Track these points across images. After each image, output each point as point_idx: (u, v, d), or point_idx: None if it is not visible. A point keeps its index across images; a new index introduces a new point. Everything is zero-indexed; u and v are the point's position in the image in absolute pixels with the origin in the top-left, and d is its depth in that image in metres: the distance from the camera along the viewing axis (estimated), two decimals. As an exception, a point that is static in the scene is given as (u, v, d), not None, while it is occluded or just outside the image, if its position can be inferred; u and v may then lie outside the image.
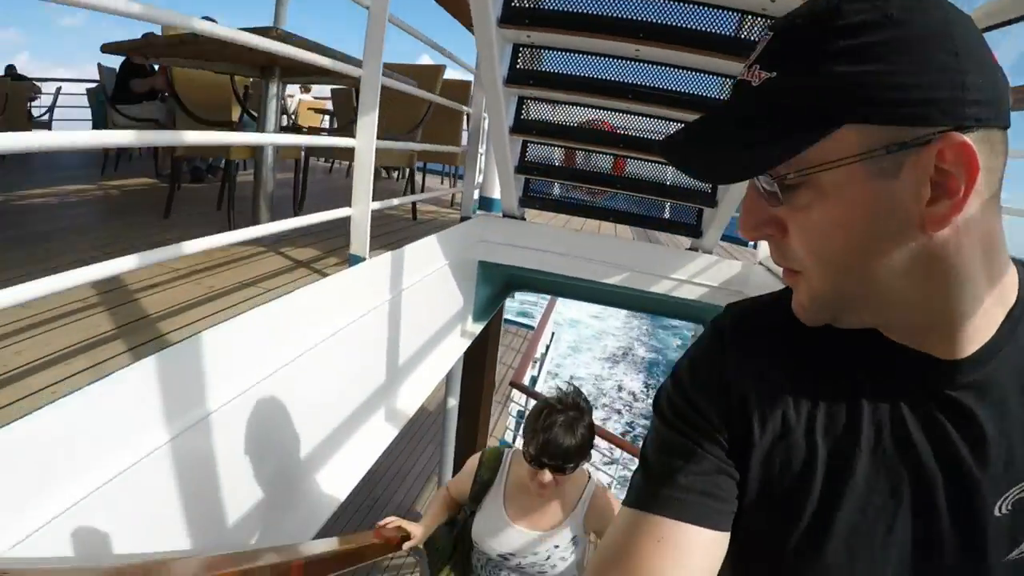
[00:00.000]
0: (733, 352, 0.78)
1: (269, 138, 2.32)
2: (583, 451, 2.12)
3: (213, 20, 6.00)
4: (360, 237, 2.64)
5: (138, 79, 5.77)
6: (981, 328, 0.66)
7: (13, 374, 1.59)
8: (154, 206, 3.98)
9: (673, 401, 0.80)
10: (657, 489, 0.75)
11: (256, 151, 3.42)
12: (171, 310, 2.09)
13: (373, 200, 2.65)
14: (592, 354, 27.34)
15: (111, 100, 5.68)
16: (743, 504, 0.75)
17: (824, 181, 0.61)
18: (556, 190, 4.54)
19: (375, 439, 3.06)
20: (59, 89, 10.26)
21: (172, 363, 1.69)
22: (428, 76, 4.56)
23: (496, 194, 4.67)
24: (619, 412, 21.64)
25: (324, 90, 9.75)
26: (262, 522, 2.21)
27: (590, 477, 2.36)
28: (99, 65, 9.19)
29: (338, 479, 2.69)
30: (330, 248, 3.06)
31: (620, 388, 23.87)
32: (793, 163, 0.61)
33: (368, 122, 2.49)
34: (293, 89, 10.47)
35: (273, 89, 3.26)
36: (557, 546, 2.23)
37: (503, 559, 2.28)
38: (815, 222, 0.63)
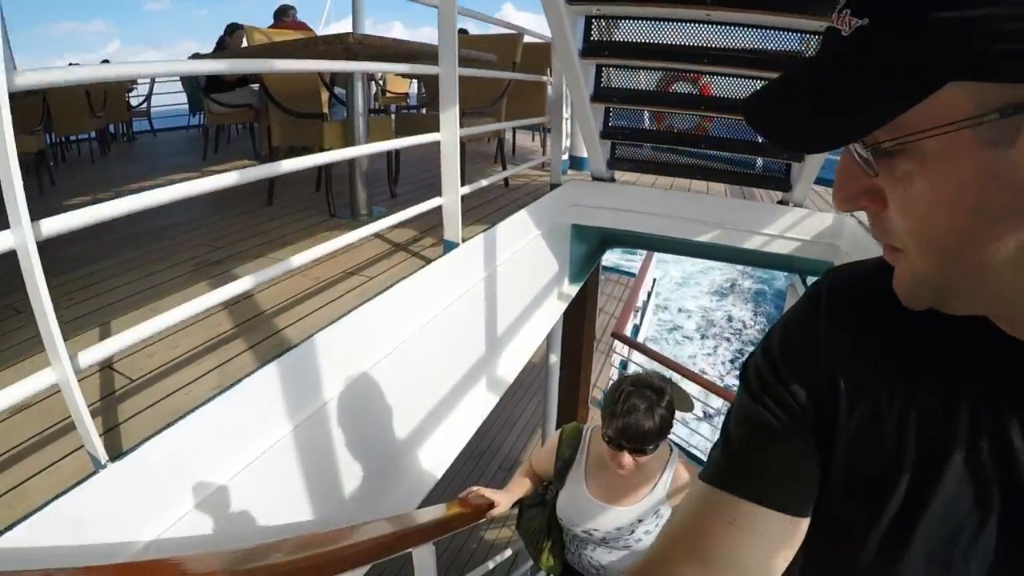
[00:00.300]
0: (828, 323, 0.70)
1: (360, 150, 2.44)
2: (663, 432, 2.08)
3: (293, 8, 6.23)
4: (452, 224, 2.80)
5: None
6: None
7: (150, 376, 1.82)
8: (256, 192, 4.19)
9: (761, 373, 0.74)
10: (735, 467, 0.72)
11: (349, 137, 3.60)
12: (284, 304, 2.31)
13: (462, 185, 2.79)
14: (700, 288, 27.26)
15: (204, 90, 6.02)
16: (823, 491, 0.70)
17: (927, 149, 0.51)
18: (644, 151, 4.54)
19: (477, 408, 3.26)
20: (154, 79, 10.76)
21: (292, 364, 1.91)
22: (507, 46, 4.60)
23: (585, 153, 4.72)
24: (728, 340, 21.59)
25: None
26: (376, 493, 2.44)
27: (672, 450, 2.34)
28: (192, 56, 9.64)
29: (443, 447, 2.90)
30: (426, 228, 3.20)
31: (730, 318, 23.72)
32: (890, 127, 0.51)
33: (450, 116, 2.61)
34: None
35: (358, 84, 3.44)
36: (641, 520, 2.23)
37: (588, 535, 2.28)
38: (916, 197, 0.53)
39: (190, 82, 8.64)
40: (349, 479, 2.27)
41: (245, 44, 6.44)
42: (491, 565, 3.73)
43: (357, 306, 2.24)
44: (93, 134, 7.42)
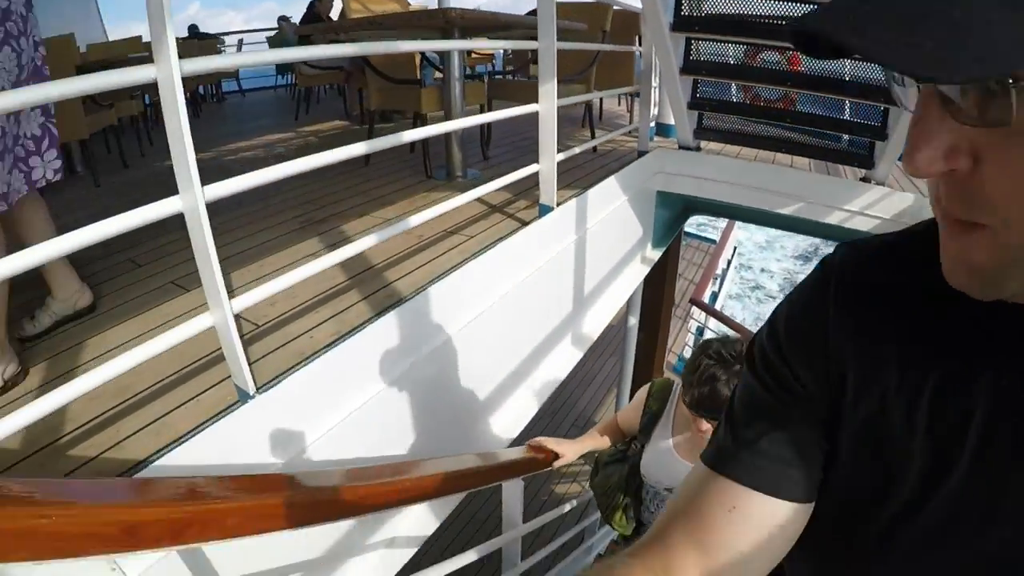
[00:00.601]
0: (837, 304, 0.65)
1: (457, 124, 2.58)
2: None
3: None
4: (548, 189, 2.95)
5: (320, 36, 6.28)
6: None
7: (274, 323, 2.04)
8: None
9: (766, 353, 0.71)
10: (737, 450, 0.69)
11: (446, 102, 3.78)
12: (390, 260, 2.50)
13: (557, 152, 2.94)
14: (784, 251, 27.22)
15: None
16: (827, 477, 0.68)
17: None
18: (730, 122, 4.57)
19: (563, 361, 3.44)
20: (241, 41, 11.12)
21: (403, 315, 2.11)
22: (597, 14, 4.67)
23: (672, 121, 4.79)
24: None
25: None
26: (472, 432, 2.66)
27: None
28: (280, 19, 9.91)
29: (533, 394, 3.11)
30: (521, 191, 3.35)
31: (813, 281, 24.07)
32: None
33: (548, 88, 2.74)
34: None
35: (455, 52, 3.61)
36: None
37: (669, 492, 2.26)
38: None
39: (279, 43, 8.96)
40: (446, 420, 2.48)
41: (337, 10, 6.66)
42: (566, 508, 3.92)
43: (460, 264, 2.42)
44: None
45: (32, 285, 2.12)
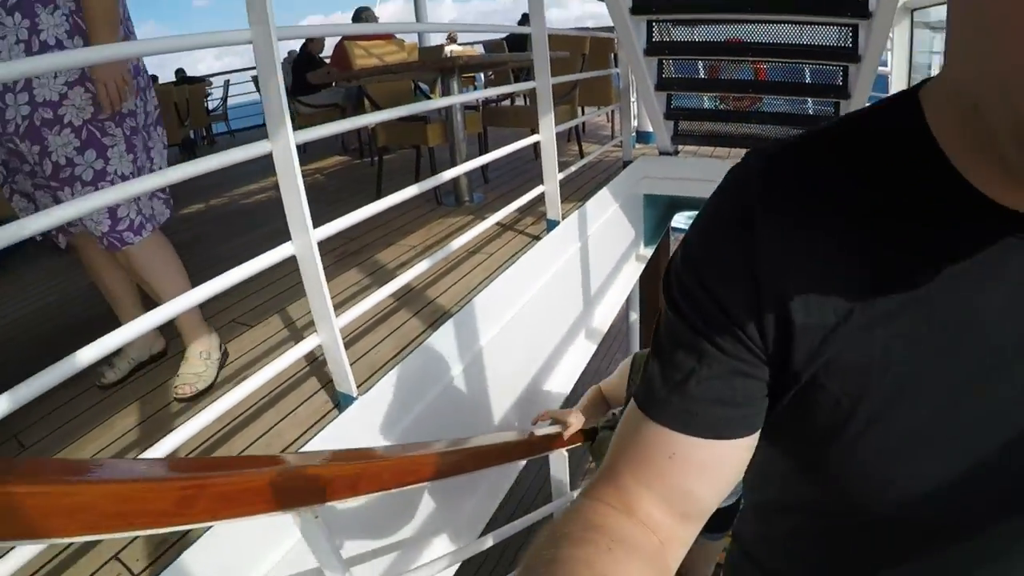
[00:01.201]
0: (765, 214, 0.58)
1: (460, 169, 2.96)
2: None
3: (369, 9, 6.74)
4: (554, 205, 3.42)
5: (312, 71, 6.62)
6: None
7: (347, 340, 2.44)
8: (361, 186, 4.74)
9: (684, 284, 0.63)
10: (668, 395, 0.63)
11: (449, 135, 4.21)
12: (427, 282, 2.93)
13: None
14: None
15: (291, 93, 6.44)
16: (783, 401, 0.63)
17: None
18: (703, 127, 5.04)
19: (580, 352, 3.90)
20: (228, 82, 11.45)
21: (460, 324, 2.55)
22: (576, 42, 5.11)
23: (650, 129, 5.27)
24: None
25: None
26: (511, 415, 3.09)
27: None
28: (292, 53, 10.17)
29: (559, 383, 3.57)
30: (527, 208, 3.59)
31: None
32: None
33: (547, 120, 3.19)
34: (440, 38, 11.18)
35: (455, 86, 4.05)
36: None
37: None
38: None
39: None
40: (490, 410, 2.91)
41: (328, 49, 7.03)
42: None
43: (487, 279, 2.88)
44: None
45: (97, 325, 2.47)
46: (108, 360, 2.22)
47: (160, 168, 2.16)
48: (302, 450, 1.85)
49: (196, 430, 1.62)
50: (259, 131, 10.66)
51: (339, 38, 6.07)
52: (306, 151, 7.32)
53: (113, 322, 2.25)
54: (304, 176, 1.79)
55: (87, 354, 1.38)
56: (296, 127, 1.71)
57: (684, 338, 0.63)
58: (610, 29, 4.73)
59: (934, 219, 0.53)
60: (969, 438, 0.56)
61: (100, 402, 2.17)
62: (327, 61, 6.88)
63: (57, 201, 2.03)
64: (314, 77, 6.58)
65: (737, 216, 0.59)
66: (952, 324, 0.54)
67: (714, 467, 0.64)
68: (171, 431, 1.58)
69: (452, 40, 10.95)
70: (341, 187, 5.32)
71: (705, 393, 0.61)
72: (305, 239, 1.82)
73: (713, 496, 0.65)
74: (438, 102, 3.84)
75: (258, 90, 7.16)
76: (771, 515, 0.82)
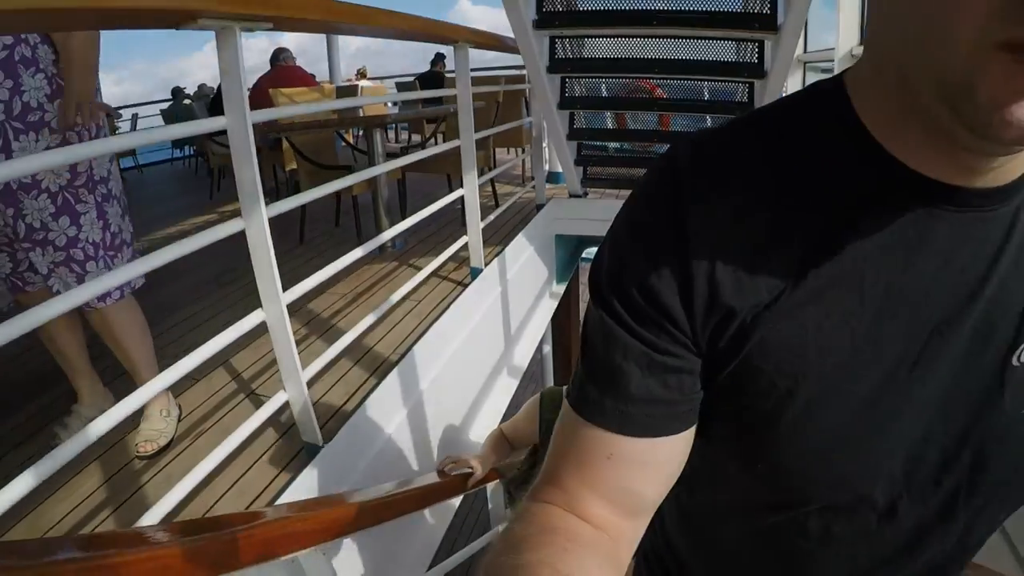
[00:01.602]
0: (693, 200, 0.57)
1: (400, 227, 3.21)
2: None
3: (287, 51, 6.81)
4: (477, 253, 3.68)
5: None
6: None
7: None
8: (281, 230, 4.68)
9: (612, 278, 0.61)
10: (600, 396, 0.62)
11: (373, 185, 4.38)
12: (367, 328, 3.10)
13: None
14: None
15: (207, 135, 6.48)
16: (719, 390, 0.62)
17: None
18: (610, 172, 5.42)
19: (505, 388, 4.17)
20: (136, 116, 11.22)
21: (402, 372, 2.76)
22: (491, 93, 5.42)
23: (560, 169, 5.63)
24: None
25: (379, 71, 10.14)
26: (458, 446, 3.28)
27: None
28: (175, 90, 10.00)
29: (489, 418, 3.80)
30: (450, 254, 3.82)
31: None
32: None
33: (471, 177, 3.47)
34: (349, 73, 11.32)
35: (378, 138, 4.27)
36: None
37: None
38: None
39: (174, 115, 9.17)
40: (431, 450, 3.10)
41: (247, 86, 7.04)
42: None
43: (420, 326, 3.12)
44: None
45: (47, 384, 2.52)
46: (61, 420, 2.30)
47: (127, 231, 2.27)
48: (279, 501, 2.00)
49: (182, 491, 1.75)
50: (166, 168, 10.54)
51: (256, 78, 6.19)
52: (220, 188, 7.31)
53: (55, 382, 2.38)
54: (222, 218, 1.90)
55: (100, 425, 1.53)
56: (210, 168, 1.82)
57: (613, 336, 0.60)
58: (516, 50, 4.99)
59: (861, 196, 0.54)
60: (910, 412, 0.58)
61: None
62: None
63: (15, 260, 2.13)
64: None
65: (664, 205, 0.58)
66: (882, 299, 0.55)
67: (654, 464, 0.63)
68: (138, 489, 1.71)
69: (362, 75, 11.12)
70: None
71: (637, 392, 0.60)
72: (276, 307, 2.00)
73: (656, 491, 0.65)
74: (381, 168, 4.02)
75: (166, 122, 7.06)
76: (706, 520, 0.82)
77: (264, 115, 2.09)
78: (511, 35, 3.91)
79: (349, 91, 7.17)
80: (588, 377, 0.64)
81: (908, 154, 0.52)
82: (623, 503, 0.63)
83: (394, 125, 8.68)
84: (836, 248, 0.55)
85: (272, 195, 6.59)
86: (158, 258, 1.64)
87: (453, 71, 4.58)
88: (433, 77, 8.29)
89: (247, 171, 1.85)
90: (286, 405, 2.16)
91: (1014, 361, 0.57)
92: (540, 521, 0.61)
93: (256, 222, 1.88)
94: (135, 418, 2.22)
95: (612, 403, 0.61)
